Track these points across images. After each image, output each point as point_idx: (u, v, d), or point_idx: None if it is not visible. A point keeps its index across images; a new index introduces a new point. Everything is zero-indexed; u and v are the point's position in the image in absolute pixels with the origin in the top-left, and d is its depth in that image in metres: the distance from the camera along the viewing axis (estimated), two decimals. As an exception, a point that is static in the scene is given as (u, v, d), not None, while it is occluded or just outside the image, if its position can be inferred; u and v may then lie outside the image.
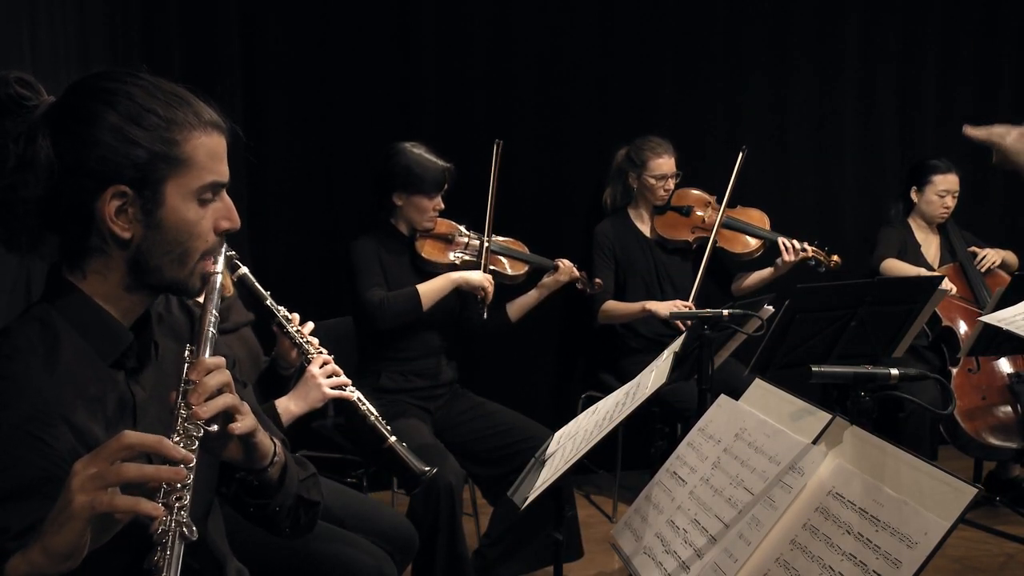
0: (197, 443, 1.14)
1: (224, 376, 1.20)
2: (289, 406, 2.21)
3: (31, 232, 1.23)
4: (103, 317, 1.25)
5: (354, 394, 2.23)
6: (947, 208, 3.94)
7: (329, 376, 2.22)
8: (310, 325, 2.28)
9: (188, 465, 1.10)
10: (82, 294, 1.25)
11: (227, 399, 1.20)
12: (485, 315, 3.08)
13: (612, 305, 3.67)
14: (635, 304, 3.62)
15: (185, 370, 1.20)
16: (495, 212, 3.24)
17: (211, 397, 1.18)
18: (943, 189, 3.91)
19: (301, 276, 3.67)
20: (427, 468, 2.23)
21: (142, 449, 1.05)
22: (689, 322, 2.52)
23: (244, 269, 2.20)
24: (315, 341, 2.26)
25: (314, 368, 2.21)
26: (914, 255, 3.95)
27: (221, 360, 1.22)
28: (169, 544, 1.06)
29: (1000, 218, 4.65)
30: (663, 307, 3.51)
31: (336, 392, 2.21)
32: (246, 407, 1.25)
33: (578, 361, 4.20)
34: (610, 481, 3.86)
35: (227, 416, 1.22)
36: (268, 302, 2.19)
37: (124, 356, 1.27)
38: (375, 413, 2.23)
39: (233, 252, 2.20)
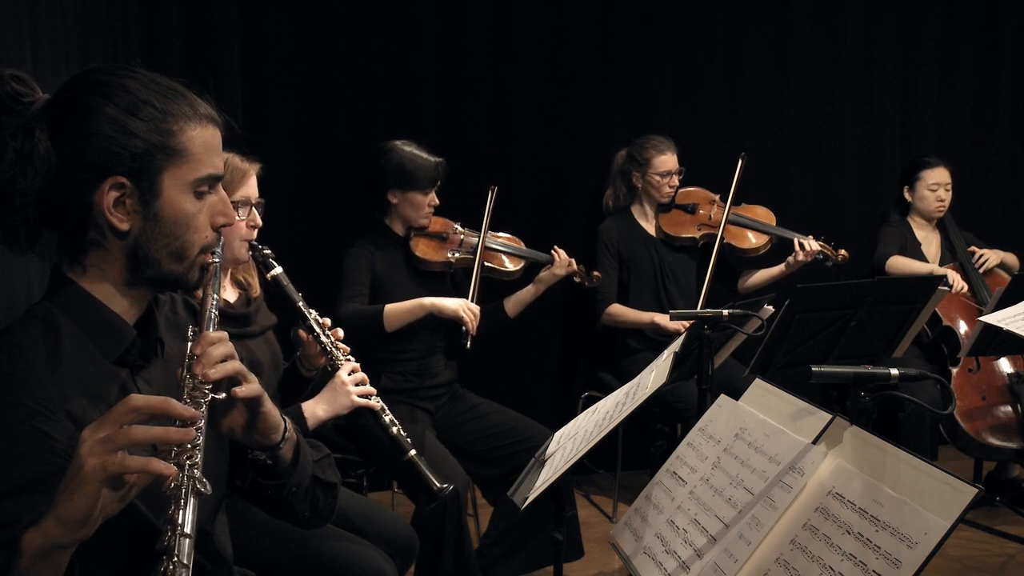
0: (204, 407, 1.15)
1: (228, 347, 1.22)
2: (316, 411, 2.20)
3: (29, 227, 1.24)
4: (105, 314, 1.26)
5: (379, 403, 2.21)
6: (941, 201, 3.96)
7: (357, 384, 2.21)
8: (340, 331, 2.25)
9: (196, 426, 1.10)
10: (83, 290, 1.26)
11: (234, 364, 1.21)
12: (468, 345, 2.94)
13: (618, 310, 3.67)
14: (644, 314, 3.62)
15: (189, 346, 1.21)
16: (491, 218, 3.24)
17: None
18: (933, 183, 3.94)
19: (300, 275, 3.63)
20: (445, 485, 2.19)
21: (148, 411, 1.05)
22: (689, 322, 2.52)
23: (279, 269, 2.18)
24: (344, 347, 2.23)
25: (343, 375, 2.19)
26: (915, 253, 3.96)
27: (224, 334, 1.23)
28: (183, 497, 1.06)
29: (999, 218, 4.66)
30: (671, 324, 3.51)
31: (363, 401, 2.20)
32: (252, 377, 1.26)
33: (578, 361, 4.19)
34: (610, 481, 3.86)
35: (233, 382, 1.23)
36: (300, 304, 2.17)
37: (127, 353, 1.28)
38: (398, 424, 2.20)
39: (270, 251, 2.18)
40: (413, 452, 2.18)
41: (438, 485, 2.17)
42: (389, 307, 2.89)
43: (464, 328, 2.94)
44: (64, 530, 1.02)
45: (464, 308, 2.93)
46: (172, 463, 1.06)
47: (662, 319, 3.54)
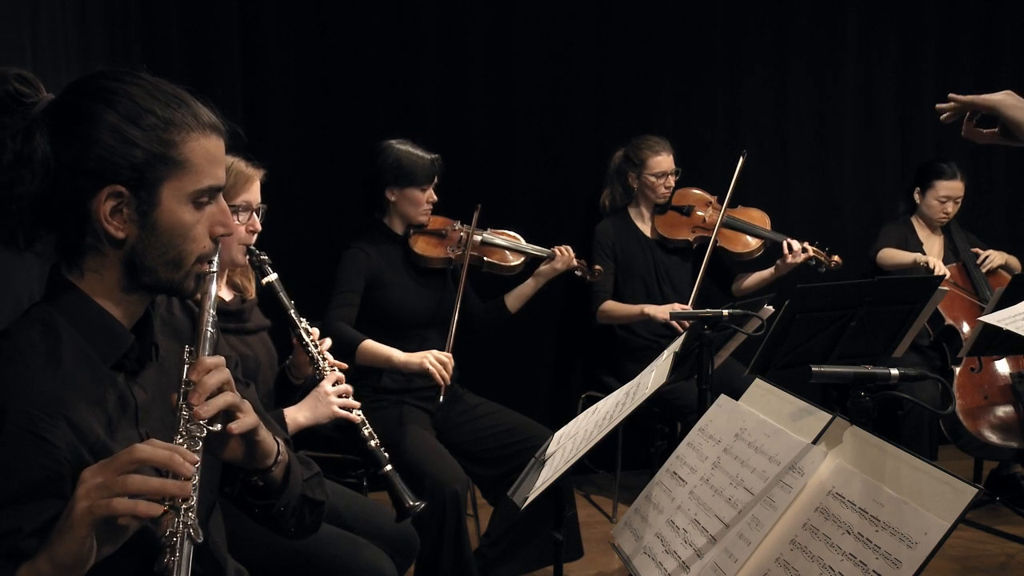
0: (200, 443, 1.14)
1: (224, 375, 1.21)
2: (297, 417, 2.21)
3: (27, 229, 1.22)
4: (104, 318, 1.25)
5: (359, 417, 2.23)
6: (947, 214, 3.95)
7: (340, 395, 2.23)
8: (328, 342, 2.29)
9: (195, 466, 1.10)
10: (82, 293, 1.25)
11: (227, 397, 1.20)
12: (441, 400, 2.84)
13: (611, 305, 3.67)
14: (634, 307, 3.63)
15: (185, 371, 1.20)
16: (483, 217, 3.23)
17: (211, 396, 1.18)
18: (944, 195, 3.91)
19: (300, 276, 3.64)
20: (417, 503, 2.21)
21: (152, 464, 1.05)
22: (689, 322, 2.52)
23: (274, 276, 2.20)
24: (331, 358, 2.27)
25: (327, 385, 2.22)
26: (916, 252, 3.95)
27: (220, 359, 1.22)
28: (178, 546, 1.06)
29: (1000, 219, 4.65)
30: (661, 311, 3.51)
31: (344, 412, 2.21)
32: (247, 405, 1.25)
33: (578, 361, 4.19)
34: (610, 481, 3.86)
35: (228, 414, 1.22)
36: (291, 312, 2.20)
37: (124, 358, 1.27)
38: (376, 439, 2.23)
39: (267, 258, 2.21)
40: (389, 468, 2.21)
41: (411, 503, 2.19)
42: (366, 343, 2.84)
43: (435, 384, 2.83)
44: (56, 571, 1.03)
45: (429, 361, 2.77)
46: (167, 505, 1.07)
47: (652, 309, 3.54)
